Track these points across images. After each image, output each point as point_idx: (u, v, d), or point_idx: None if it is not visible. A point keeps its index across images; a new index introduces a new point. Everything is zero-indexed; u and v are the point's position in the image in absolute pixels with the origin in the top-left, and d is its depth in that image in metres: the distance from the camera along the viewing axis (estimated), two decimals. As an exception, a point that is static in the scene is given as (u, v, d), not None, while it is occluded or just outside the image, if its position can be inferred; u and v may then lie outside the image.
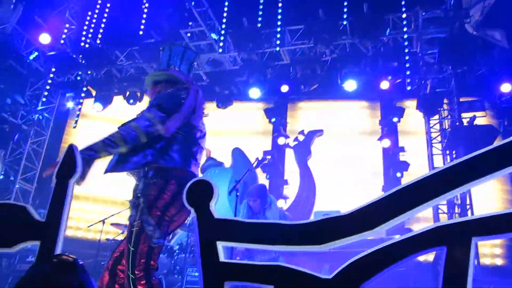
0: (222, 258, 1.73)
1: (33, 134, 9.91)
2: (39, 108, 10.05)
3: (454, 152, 8.15)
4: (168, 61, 3.14)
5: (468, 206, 7.57)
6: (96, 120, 10.75)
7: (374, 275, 1.62)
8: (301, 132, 9.90)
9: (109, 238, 7.56)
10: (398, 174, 9.13)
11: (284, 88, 9.52)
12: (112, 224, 7.50)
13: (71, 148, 2.12)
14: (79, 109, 10.49)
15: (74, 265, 1.19)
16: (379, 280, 1.65)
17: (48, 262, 1.18)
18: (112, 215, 7.46)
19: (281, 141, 9.80)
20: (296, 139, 9.90)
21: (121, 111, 10.82)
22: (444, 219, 7.75)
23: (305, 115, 10.58)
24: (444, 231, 1.62)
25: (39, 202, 9.27)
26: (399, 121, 9.64)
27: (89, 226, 7.48)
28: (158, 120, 2.69)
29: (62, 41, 9.76)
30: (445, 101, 8.50)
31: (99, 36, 9.75)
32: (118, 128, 2.70)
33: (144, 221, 2.55)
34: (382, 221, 1.66)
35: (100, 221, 7.33)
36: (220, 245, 1.76)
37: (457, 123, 8.04)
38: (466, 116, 8.00)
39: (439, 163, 8.41)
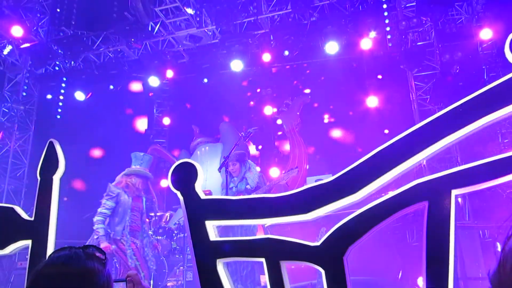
0: (212, 237, 1.76)
1: (17, 130, 9.75)
2: (20, 103, 9.86)
3: (441, 104, 8.18)
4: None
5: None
6: (79, 109, 10.64)
7: (360, 237, 1.66)
8: (287, 100, 9.88)
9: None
10: (386, 131, 9.24)
11: (266, 57, 9.44)
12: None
13: (52, 144, 2.11)
14: (61, 100, 10.35)
15: (104, 256, 1.22)
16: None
17: (77, 248, 1.19)
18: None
19: (268, 111, 9.79)
20: (283, 107, 9.89)
21: (103, 97, 10.73)
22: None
23: (290, 81, 10.51)
24: (424, 187, 1.66)
25: (32, 200, 9.10)
26: (383, 78, 9.67)
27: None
28: None
29: (35, 32, 9.50)
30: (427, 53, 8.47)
31: (73, 22, 9.47)
32: None
33: None
34: (364, 185, 1.69)
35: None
36: (210, 225, 1.78)
37: (440, 75, 8.05)
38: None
39: (426, 117, 8.43)
